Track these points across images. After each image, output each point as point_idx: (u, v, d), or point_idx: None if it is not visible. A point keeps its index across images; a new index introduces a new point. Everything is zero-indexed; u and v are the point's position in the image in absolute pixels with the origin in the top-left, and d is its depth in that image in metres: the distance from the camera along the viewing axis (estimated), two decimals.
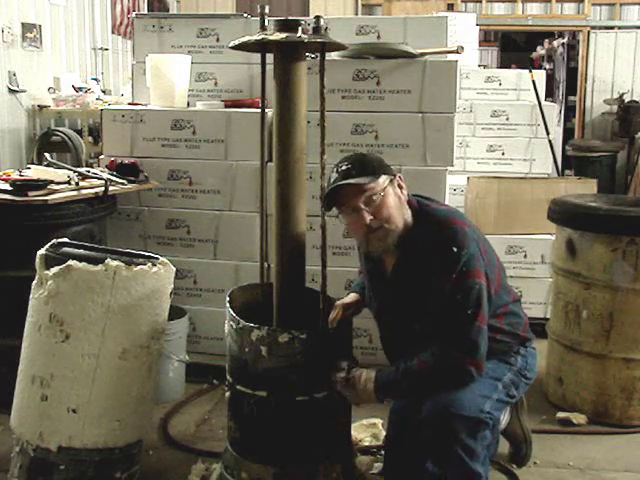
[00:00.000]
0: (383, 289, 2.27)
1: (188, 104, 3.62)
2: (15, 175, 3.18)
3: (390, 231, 2.11)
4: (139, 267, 2.27)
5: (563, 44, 9.53)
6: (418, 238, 2.13)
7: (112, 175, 3.24)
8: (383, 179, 2.12)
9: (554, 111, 5.69)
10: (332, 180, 2.14)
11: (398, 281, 2.20)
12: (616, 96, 8.42)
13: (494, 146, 5.15)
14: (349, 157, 2.19)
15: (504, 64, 9.43)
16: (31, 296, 2.36)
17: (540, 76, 5.38)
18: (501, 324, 2.23)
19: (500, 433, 2.61)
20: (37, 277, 2.33)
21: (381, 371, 2.16)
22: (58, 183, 2.98)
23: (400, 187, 2.17)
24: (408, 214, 2.16)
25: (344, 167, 2.13)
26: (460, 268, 2.04)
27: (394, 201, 2.12)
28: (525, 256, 4.00)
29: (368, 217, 2.10)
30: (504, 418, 2.57)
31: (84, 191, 3.01)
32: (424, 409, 2.10)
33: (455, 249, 2.04)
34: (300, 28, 2.15)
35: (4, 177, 3.09)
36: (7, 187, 2.88)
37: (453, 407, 2.06)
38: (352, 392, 2.17)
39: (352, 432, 2.52)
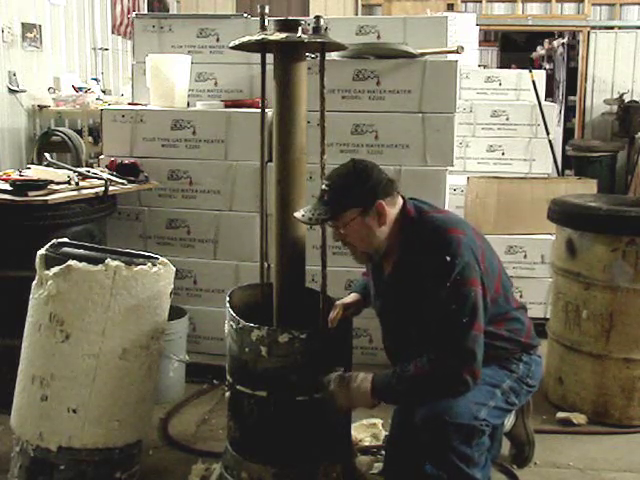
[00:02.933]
0: (382, 290, 2.28)
1: (188, 104, 3.62)
2: (15, 175, 3.18)
3: (364, 250, 2.18)
4: (139, 267, 2.27)
5: (563, 44, 9.52)
6: (414, 246, 2.13)
7: (112, 175, 3.24)
8: (350, 213, 2.12)
9: (554, 111, 5.70)
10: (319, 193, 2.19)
11: (395, 285, 2.20)
12: (616, 96, 8.42)
13: (494, 146, 5.15)
14: (336, 174, 2.16)
15: (504, 64, 9.42)
16: (31, 296, 2.35)
17: (540, 76, 5.39)
18: (500, 330, 2.22)
19: (504, 435, 2.61)
20: (37, 277, 2.33)
21: (376, 377, 2.14)
22: (58, 183, 2.98)
23: (380, 214, 2.13)
24: (379, 239, 2.15)
25: (324, 186, 2.15)
26: (454, 277, 2.03)
27: (363, 230, 2.14)
28: (525, 256, 4.00)
29: (342, 236, 2.17)
30: (509, 421, 2.57)
31: (84, 191, 3.01)
32: (418, 416, 2.09)
33: (449, 258, 2.03)
34: (300, 28, 2.15)
35: (4, 177, 3.09)
36: (7, 187, 2.88)
37: (447, 415, 2.05)
38: (346, 392, 2.14)
39: (352, 432, 2.52)
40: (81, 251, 2.33)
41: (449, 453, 2.07)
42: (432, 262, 2.06)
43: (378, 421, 2.83)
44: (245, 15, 3.68)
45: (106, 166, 3.40)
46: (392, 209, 2.16)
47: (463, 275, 2.03)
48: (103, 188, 3.07)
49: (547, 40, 9.87)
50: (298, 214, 2.17)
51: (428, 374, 2.03)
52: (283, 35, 2.14)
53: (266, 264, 2.60)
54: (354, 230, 2.14)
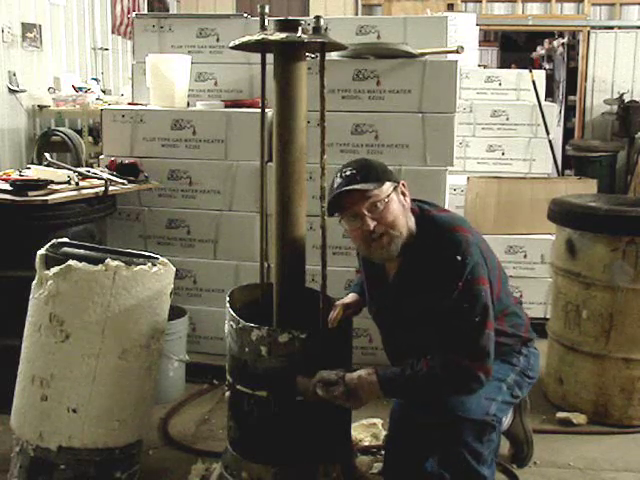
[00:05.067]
0: (384, 294, 2.26)
1: (188, 104, 3.62)
2: (15, 175, 3.18)
3: (394, 237, 2.09)
4: (139, 267, 2.27)
5: (563, 44, 9.52)
6: (420, 246, 2.12)
7: (112, 175, 3.24)
8: (387, 186, 2.10)
9: (554, 111, 5.70)
10: (336, 185, 2.12)
11: (401, 288, 2.19)
12: (616, 96, 8.41)
13: (494, 146, 5.15)
14: (353, 162, 2.17)
15: (504, 64, 9.42)
16: (31, 296, 2.35)
17: (540, 76, 5.39)
18: (504, 326, 2.23)
19: (502, 434, 2.60)
20: (37, 277, 2.33)
21: (381, 373, 2.11)
22: (58, 183, 2.98)
23: (403, 194, 2.16)
24: (412, 221, 2.15)
25: (348, 172, 2.10)
26: (466, 276, 2.03)
27: (398, 208, 2.11)
28: (525, 256, 4.00)
29: (372, 223, 2.08)
30: (507, 419, 2.57)
31: (84, 191, 3.01)
32: (428, 413, 2.09)
33: (459, 258, 2.03)
34: (300, 28, 2.14)
35: (4, 177, 3.09)
36: (7, 187, 2.88)
37: (460, 411, 2.06)
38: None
39: (352, 432, 2.51)
40: (81, 251, 2.33)
41: (462, 449, 2.08)
42: (442, 262, 2.06)
43: (378, 421, 2.83)
44: (245, 15, 3.68)
45: (106, 166, 3.40)
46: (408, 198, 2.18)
47: (474, 274, 2.04)
48: (103, 188, 3.07)
49: (547, 40, 9.87)
50: (337, 189, 2.09)
51: (441, 373, 2.03)
52: (283, 35, 2.13)
53: (266, 264, 2.59)
54: (392, 207, 2.08)
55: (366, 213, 2.08)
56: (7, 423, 2.48)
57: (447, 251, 2.06)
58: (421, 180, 3.24)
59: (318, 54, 2.34)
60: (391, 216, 2.09)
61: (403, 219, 2.11)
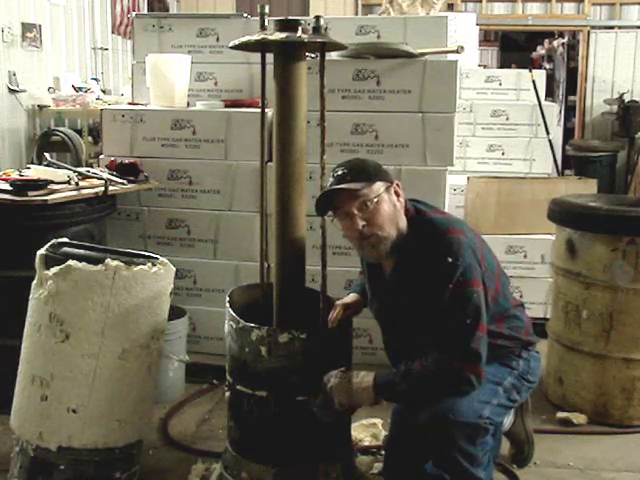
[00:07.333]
0: (382, 291, 2.27)
1: (188, 104, 3.62)
2: (15, 175, 3.18)
3: (382, 238, 2.10)
4: (139, 267, 2.27)
5: (563, 44, 9.52)
6: (414, 246, 2.11)
7: (112, 175, 3.24)
8: (378, 185, 2.10)
9: (554, 111, 5.70)
10: (328, 184, 2.14)
11: (395, 287, 2.19)
12: (616, 96, 8.41)
13: (494, 146, 5.15)
14: (347, 162, 2.17)
15: (504, 64, 9.42)
16: (31, 296, 2.35)
17: (540, 76, 5.39)
18: (501, 329, 2.22)
19: (503, 434, 2.61)
20: (37, 277, 2.33)
21: (380, 371, 2.14)
22: (58, 183, 2.98)
23: (397, 194, 2.15)
24: (403, 222, 2.14)
25: (340, 172, 2.12)
26: (457, 278, 2.02)
27: (388, 208, 2.10)
28: (525, 256, 4.00)
29: (361, 223, 2.09)
30: (508, 420, 2.57)
31: (84, 191, 3.01)
32: (422, 415, 2.09)
33: (450, 259, 2.03)
34: (300, 28, 2.15)
35: (4, 177, 3.09)
36: (7, 187, 2.88)
37: (451, 413, 2.04)
38: (347, 387, 2.12)
39: (352, 432, 2.52)
40: (81, 251, 2.33)
41: (454, 452, 2.07)
42: (433, 263, 2.05)
43: (378, 421, 2.83)
44: (245, 15, 3.68)
45: (106, 166, 3.40)
46: (402, 198, 2.17)
47: (465, 276, 2.03)
48: (103, 188, 3.07)
49: (547, 40, 9.87)
50: (325, 190, 2.12)
51: (433, 374, 2.03)
52: (283, 35, 2.13)
53: (266, 264, 2.59)
54: (382, 207, 2.09)
55: (356, 212, 2.09)
56: (7, 423, 2.48)
57: (438, 253, 2.05)
58: (421, 180, 3.24)
59: (318, 54, 2.35)
60: (380, 216, 2.09)
61: (392, 220, 2.11)
